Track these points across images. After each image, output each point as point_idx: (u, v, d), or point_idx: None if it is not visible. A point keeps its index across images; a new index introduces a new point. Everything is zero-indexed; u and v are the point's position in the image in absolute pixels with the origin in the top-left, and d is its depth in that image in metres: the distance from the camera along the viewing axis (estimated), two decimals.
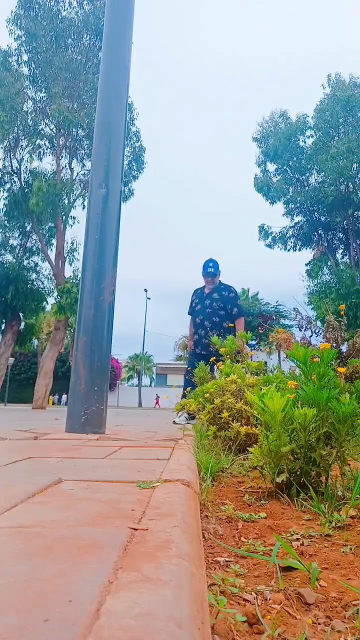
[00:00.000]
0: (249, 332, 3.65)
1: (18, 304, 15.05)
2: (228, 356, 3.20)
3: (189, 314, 5.37)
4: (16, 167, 15.17)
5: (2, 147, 14.58)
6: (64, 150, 14.85)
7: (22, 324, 16.49)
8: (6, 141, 14.20)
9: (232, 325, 5.08)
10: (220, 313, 4.92)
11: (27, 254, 16.28)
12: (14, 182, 15.20)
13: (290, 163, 19.01)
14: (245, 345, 3.46)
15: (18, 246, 16.27)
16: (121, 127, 3.14)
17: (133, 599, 0.40)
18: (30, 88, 14.42)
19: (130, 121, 15.12)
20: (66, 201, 14.19)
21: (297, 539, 0.98)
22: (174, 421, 4.67)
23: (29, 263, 16.28)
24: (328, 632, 0.61)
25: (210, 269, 5.13)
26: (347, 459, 1.41)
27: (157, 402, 37.05)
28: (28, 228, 15.73)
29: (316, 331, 3.58)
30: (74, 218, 15.32)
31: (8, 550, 0.55)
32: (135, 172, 15.55)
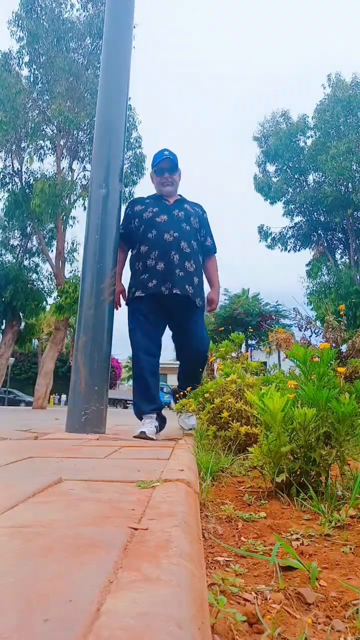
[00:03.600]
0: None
1: (18, 304, 15.07)
2: (228, 357, 3.21)
3: (125, 230, 3.05)
4: (17, 168, 15.19)
5: (2, 148, 14.60)
6: (64, 151, 14.87)
7: (22, 324, 16.51)
8: (6, 142, 14.21)
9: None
10: (196, 237, 2.98)
11: (27, 254, 16.31)
12: (15, 182, 15.22)
13: (290, 163, 19.02)
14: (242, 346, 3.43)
15: (18, 246, 16.29)
16: (121, 127, 3.15)
17: (133, 598, 0.40)
18: (31, 89, 14.43)
19: (132, 127, 15.13)
20: (67, 202, 14.21)
21: (297, 539, 0.98)
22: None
23: (29, 263, 16.31)
24: (328, 631, 0.61)
25: (167, 158, 3.02)
26: (347, 458, 1.41)
27: None
28: (28, 229, 15.76)
29: (316, 331, 3.59)
30: (74, 218, 15.36)
31: (8, 550, 0.55)
32: (136, 178, 15.56)
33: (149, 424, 2.67)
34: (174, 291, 2.77)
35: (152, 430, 2.62)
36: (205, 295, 3.04)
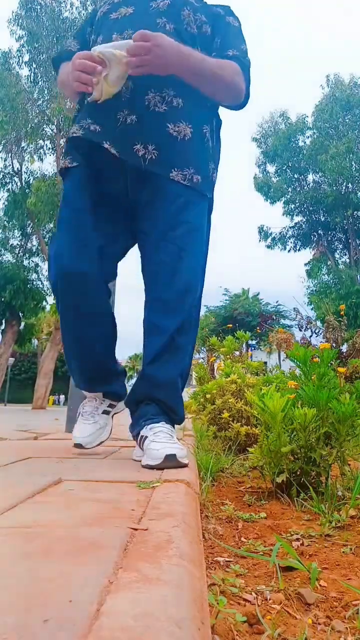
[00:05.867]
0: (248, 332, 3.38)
1: (17, 304, 15.08)
2: (229, 356, 3.20)
3: (76, 44, 1.57)
4: (17, 168, 15.21)
5: (2, 148, 14.63)
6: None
7: (22, 323, 16.52)
8: (5, 141, 14.23)
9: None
10: (192, 46, 1.36)
11: (27, 254, 16.33)
12: (15, 182, 15.25)
13: (289, 163, 19.05)
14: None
15: (18, 246, 16.32)
16: None
17: (133, 599, 0.40)
18: (31, 88, 14.45)
19: None
20: None
21: (297, 539, 0.98)
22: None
23: (29, 263, 16.33)
24: (328, 632, 0.61)
25: None
26: (347, 459, 1.41)
27: None
28: (28, 228, 15.78)
29: (316, 331, 3.59)
30: None
31: (8, 550, 0.54)
32: None
33: (86, 421, 1.51)
34: (112, 150, 1.33)
35: (92, 432, 1.46)
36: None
